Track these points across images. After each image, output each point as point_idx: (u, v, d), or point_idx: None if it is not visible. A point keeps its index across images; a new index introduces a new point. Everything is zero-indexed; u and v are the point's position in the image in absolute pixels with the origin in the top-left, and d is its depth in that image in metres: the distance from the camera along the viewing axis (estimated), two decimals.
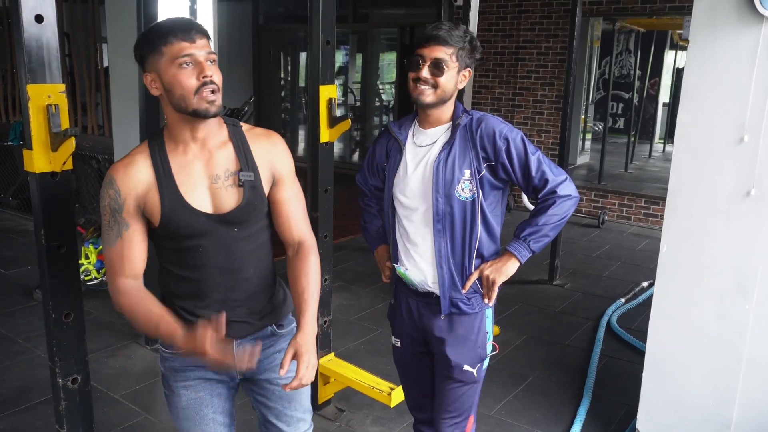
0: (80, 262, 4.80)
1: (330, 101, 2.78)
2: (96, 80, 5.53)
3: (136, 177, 1.56)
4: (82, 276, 4.74)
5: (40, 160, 1.81)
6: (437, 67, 1.85)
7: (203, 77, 1.48)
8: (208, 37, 1.52)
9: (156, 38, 1.49)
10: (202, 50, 1.49)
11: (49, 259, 1.90)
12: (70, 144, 1.81)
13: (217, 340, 1.47)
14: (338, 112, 2.83)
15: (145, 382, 3.36)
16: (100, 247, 4.91)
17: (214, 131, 1.61)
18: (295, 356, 1.58)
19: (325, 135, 2.81)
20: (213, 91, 1.50)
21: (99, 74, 5.50)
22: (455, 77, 1.90)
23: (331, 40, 2.76)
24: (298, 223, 1.72)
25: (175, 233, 1.59)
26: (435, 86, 1.87)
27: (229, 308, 1.64)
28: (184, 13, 5.62)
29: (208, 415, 1.77)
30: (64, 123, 1.80)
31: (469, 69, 1.93)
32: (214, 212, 1.59)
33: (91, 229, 5.33)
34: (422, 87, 1.87)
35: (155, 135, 1.62)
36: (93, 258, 4.85)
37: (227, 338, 1.55)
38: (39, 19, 1.74)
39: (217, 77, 1.51)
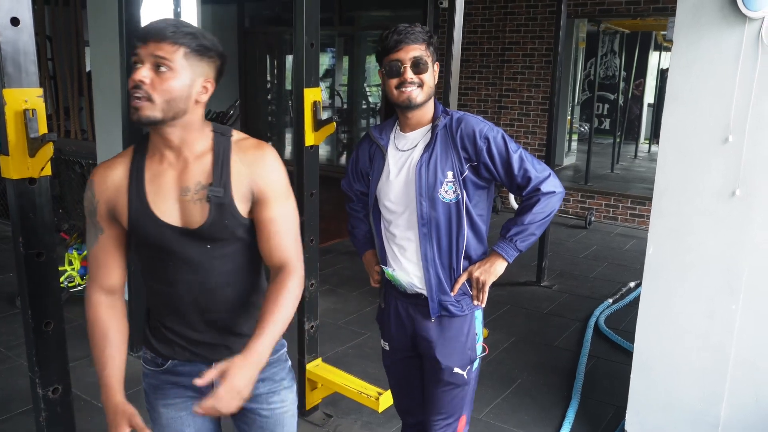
0: (64, 268, 4.75)
1: (315, 104, 2.76)
2: (79, 84, 5.47)
3: (109, 180, 1.50)
4: (65, 282, 4.69)
5: (17, 166, 1.78)
6: (418, 65, 1.84)
7: (131, 81, 1.37)
8: (173, 42, 1.37)
9: (136, 41, 1.42)
10: (150, 53, 1.37)
11: (27, 267, 1.86)
12: (48, 149, 1.78)
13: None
14: (324, 115, 2.81)
15: (130, 390, 3.27)
16: (84, 253, 4.86)
17: (194, 138, 1.48)
18: (222, 375, 1.38)
19: (310, 138, 2.79)
20: (139, 97, 1.36)
21: (82, 78, 5.44)
22: (433, 72, 1.90)
23: (315, 43, 2.74)
24: (281, 246, 1.53)
25: (144, 242, 1.51)
26: (421, 84, 1.86)
27: (208, 329, 1.56)
28: (169, 17, 5.59)
29: None
30: (42, 128, 1.77)
31: (437, 63, 1.93)
32: (183, 226, 1.47)
33: (74, 235, 5.27)
34: (409, 89, 1.85)
35: (143, 139, 1.53)
36: (77, 264, 4.79)
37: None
38: (15, 22, 1.71)
39: (152, 83, 1.36)
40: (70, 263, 4.81)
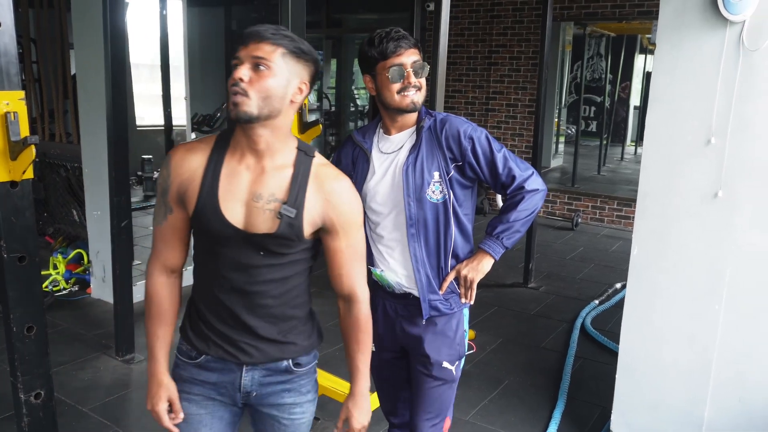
0: (48, 272, 4.71)
1: (301, 106, 2.75)
2: (64, 87, 5.43)
3: (186, 164, 1.52)
4: (50, 286, 4.65)
5: None
6: (420, 68, 1.86)
7: (231, 79, 1.44)
8: (272, 42, 1.44)
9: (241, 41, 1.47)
10: (250, 54, 1.44)
11: (9, 272, 1.84)
12: (30, 152, 1.76)
13: (165, 413, 1.59)
14: (312, 118, 2.80)
15: (115, 395, 3.30)
16: (69, 256, 4.82)
17: (278, 148, 1.51)
18: (347, 421, 1.69)
19: None
20: (237, 93, 1.42)
21: (67, 81, 5.40)
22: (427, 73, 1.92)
23: None
24: (350, 275, 1.63)
25: (202, 232, 1.55)
26: (420, 88, 1.88)
27: (245, 331, 1.58)
28: (154, 20, 5.56)
29: None
30: (24, 131, 1.75)
31: (427, 65, 1.94)
32: (244, 229, 1.50)
33: (59, 239, 5.24)
34: (412, 93, 1.86)
35: (226, 132, 1.55)
36: (61, 268, 4.75)
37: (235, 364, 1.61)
38: None
39: (251, 80, 1.42)
40: (55, 267, 4.77)
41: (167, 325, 1.62)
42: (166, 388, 1.60)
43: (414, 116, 1.95)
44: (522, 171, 1.91)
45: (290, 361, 1.65)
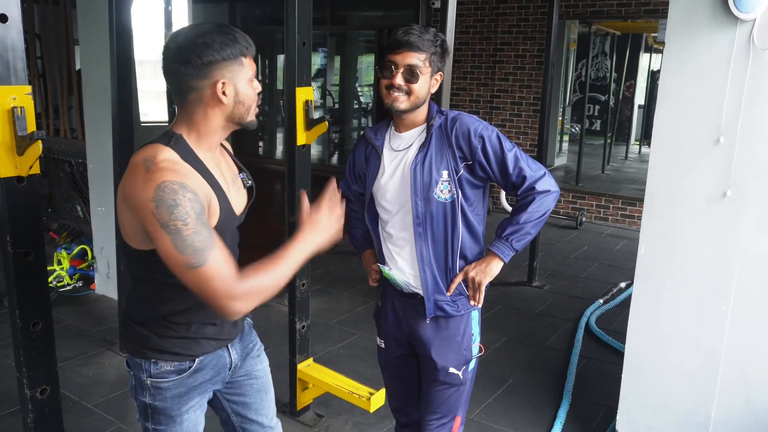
0: (53, 268, 4.71)
1: (306, 103, 2.75)
2: (68, 83, 5.43)
3: (199, 181, 1.46)
4: (54, 282, 4.65)
5: (5, 164, 1.75)
6: (411, 74, 1.83)
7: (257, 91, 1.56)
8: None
9: (240, 47, 1.48)
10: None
11: (15, 267, 1.84)
12: (37, 147, 1.76)
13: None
14: (316, 115, 2.79)
15: (119, 391, 3.29)
16: (74, 252, 4.82)
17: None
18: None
19: (302, 137, 2.78)
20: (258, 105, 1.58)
21: (72, 77, 5.39)
22: (428, 82, 1.88)
23: (307, 42, 2.73)
24: None
25: (220, 235, 1.47)
26: (409, 93, 1.85)
27: None
28: (159, 15, 5.56)
29: None
30: (31, 126, 1.75)
31: (441, 72, 1.91)
32: (239, 214, 1.62)
33: (63, 234, 5.24)
34: (396, 94, 1.85)
35: (174, 142, 1.47)
36: (66, 264, 4.76)
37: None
38: (3, 18, 1.69)
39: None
40: (59, 263, 4.78)
41: (284, 255, 1.49)
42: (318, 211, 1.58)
43: (423, 114, 1.93)
44: (533, 171, 1.88)
45: (248, 317, 1.81)
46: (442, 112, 1.93)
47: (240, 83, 1.49)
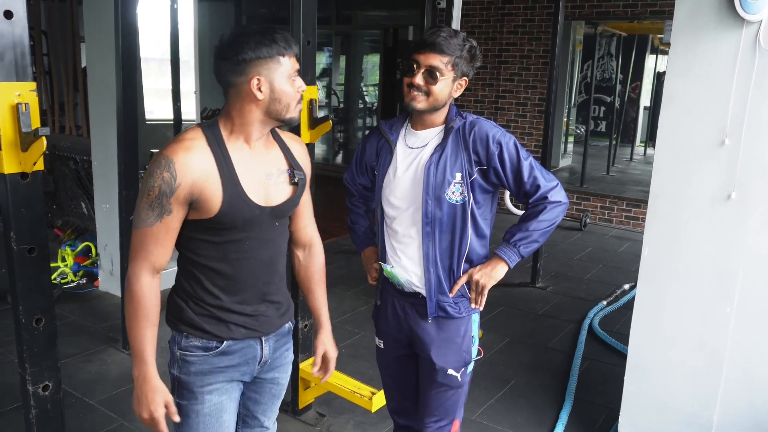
0: (57, 264, 4.73)
1: (311, 102, 2.75)
2: (74, 80, 5.44)
3: (195, 165, 1.54)
4: (58, 279, 4.67)
5: (9, 160, 1.75)
6: (431, 75, 1.83)
7: (299, 89, 1.62)
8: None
9: (278, 47, 1.56)
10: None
11: (19, 263, 1.84)
12: (41, 144, 1.75)
13: (164, 418, 1.60)
14: (320, 114, 2.79)
15: (122, 388, 3.30)
16: (78, 249, 4.84)
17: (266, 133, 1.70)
18: (325, 354, 1.92)
19: (306, 136, 2.78)
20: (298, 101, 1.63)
21: (77, 74, 5.40)
22: (450, 86, 1.87)
23: (312, 41, 2.73)
24: (312, 225, 1.90)
25: (228, 225, 1.60)
26: (428, 94, 1.85)
27: (262, 302, 1.71)
28: (165, 14, 5.56)
29: (227, 422, 1.73)
30: (35, 122, 1.75)
31: (465, 78, 1.90)
32: (265, 205, 1.65)
33: (68, 231, 5.25)
34: (415, 93, 1.85)
35: (209, 126, 1.61)
36: (70, 261, 4.77)
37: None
38: (8, 15, 1.69)
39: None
40: (63, 260, 4.79)
41: (155, 326, 1.62)
42: (163, 392, 1.61)
43: (442, 115, 1.93)
44: (547, 181, 1.90)
45: (289, 322, 1.85)
46: (461, 114, 1.93)
47: (276, 81, 1.56)
